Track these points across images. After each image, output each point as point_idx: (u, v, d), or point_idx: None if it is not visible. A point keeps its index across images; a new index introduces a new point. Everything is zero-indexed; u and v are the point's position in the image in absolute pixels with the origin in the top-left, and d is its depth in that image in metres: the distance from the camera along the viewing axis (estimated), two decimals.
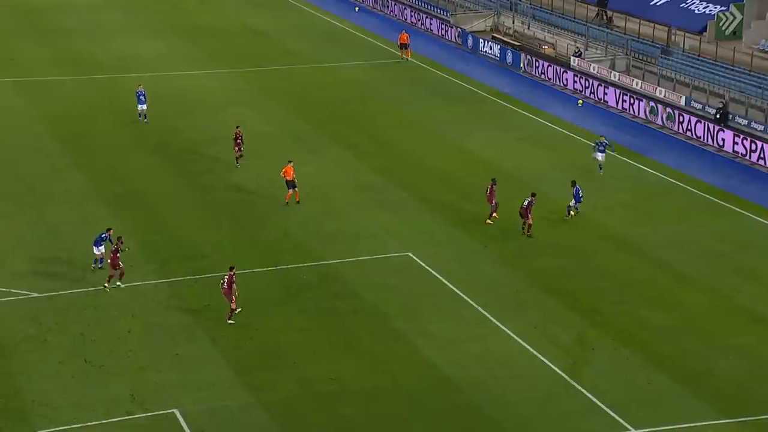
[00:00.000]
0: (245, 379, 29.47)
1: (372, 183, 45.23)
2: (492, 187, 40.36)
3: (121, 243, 34.61)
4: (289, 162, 42.08)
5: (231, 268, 32.38)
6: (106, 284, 34.24)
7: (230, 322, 32.20)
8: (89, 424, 27.04)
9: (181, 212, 41.54)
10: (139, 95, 51.08)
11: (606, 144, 45.36)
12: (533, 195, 39.41)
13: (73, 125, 51.66)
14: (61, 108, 54.36)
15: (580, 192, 40.79)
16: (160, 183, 44.55)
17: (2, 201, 41.88)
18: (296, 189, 41.75)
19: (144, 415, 27.59)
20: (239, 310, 32.45)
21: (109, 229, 35.75)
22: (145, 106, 51.08)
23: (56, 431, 26.75)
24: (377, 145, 50.33)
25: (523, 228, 39.23)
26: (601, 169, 45.22)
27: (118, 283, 34.35)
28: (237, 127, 46.03)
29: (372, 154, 48.82)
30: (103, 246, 35.21)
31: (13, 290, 34.21)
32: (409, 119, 54.40)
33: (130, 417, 27.47)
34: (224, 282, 32.20)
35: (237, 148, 45.34)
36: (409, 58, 65.94)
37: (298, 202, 41.81)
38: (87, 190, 43.46)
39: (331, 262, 37.22)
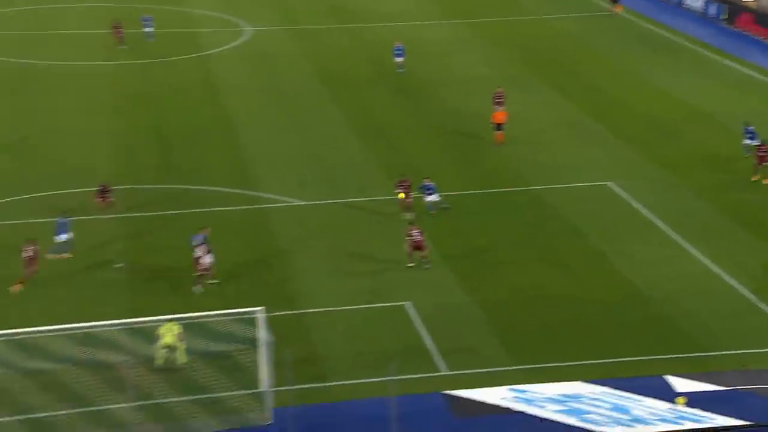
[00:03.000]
0: (464, 281, 30.35)
1: (579, 121, 44.76)
2: None
3: None
4: (496, 108, 42.09)
5: (204, 228, 29.55)
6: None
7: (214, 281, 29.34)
8: (340, 308, 28.64)
9: (416, 143, 42.63)
10: (396, 50, 51.77)
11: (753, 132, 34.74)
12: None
13: (333, 67, 53.40)
14: (324, 53, 56.31)
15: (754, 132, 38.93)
16: (400, 117, 45.74)
17: (273, 126, 44.25)
18: (502, 131, 41.61)
19: (382, 305, 28.93)
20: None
21: (204, 228, 30.34)
22: (402, 59, 51.31)
23: (315, 311, 28.43)
24: (586, 89, 49.54)
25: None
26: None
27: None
28: None
29: (580, 97, 48.15)
30: None
31: (286, 198, 36.33)
32: (616, 67, 53.08)
33: (370, 306, 28.91)
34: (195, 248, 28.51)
35: None
36: (620, 12, 63.90)
37: (502, 143, 41.58)
38: (341, 122, 45.18)
39: (540, 188, 37.40)
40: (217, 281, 29.62)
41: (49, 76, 49.99)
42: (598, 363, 26.08)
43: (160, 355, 25.03)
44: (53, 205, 34.51)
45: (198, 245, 29.48)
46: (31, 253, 29.08)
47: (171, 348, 24.96)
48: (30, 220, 33.60)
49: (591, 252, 32.30)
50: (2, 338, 24.03)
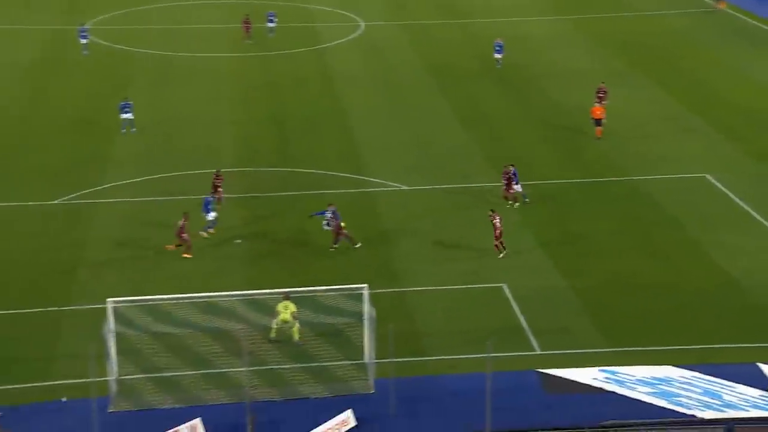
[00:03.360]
0: (560, 266, 29.87)
1: (679, 115, 43.31)
2: None
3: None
4: (596, 103, 40.76)
5: (332, 206, 30.28)
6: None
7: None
8: (441, 288, 28.58)
9: (518, 133, 42.03)
10: (497, 45, 50.50)
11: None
12: None
13: (441, 60, 53.04)
14: (433, 46, 56.00)
15: None
16: (504, 109, 45.19)
17: (383, 115, 44.35)
18: (601, 126, 40.07)
19: (480, 285, 28.85)
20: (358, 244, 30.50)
21: (331, 204, 30.90)
22: (501, 56, 50.09)
23: (417, 290, 28.63)
24: (687, 84, 47.89)
25: None
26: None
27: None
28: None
29: (681, 91, 46.58)
30: None
31: (393, 183, 36.51)
32: (718, 62, 51.11)
33: (470, 286, 28.85)
34: (328, 221, 30.04)
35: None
36: (724, 8, 61.37)
37: (599, 138, 39.98)
38: (447, 112, 44.94)
39: (638, 178, 36.41)
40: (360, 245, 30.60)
41: (182, 67, 51.48)
42: (691, 349, 25.32)
43: (275, 329, 25.50)
44: (180, 185, 35.62)
45: (330, 217, 30.43)
46: (180, 226, 29.94)
47: (286, 324, 25.44)
48: (161, 198, 34.74)
49: (688, 242, 31.28)
50: (136, 304, 25.05)
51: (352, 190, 35.78)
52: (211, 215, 31.64)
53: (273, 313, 25.52)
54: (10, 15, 60.43)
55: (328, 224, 30.57)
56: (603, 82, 43.59)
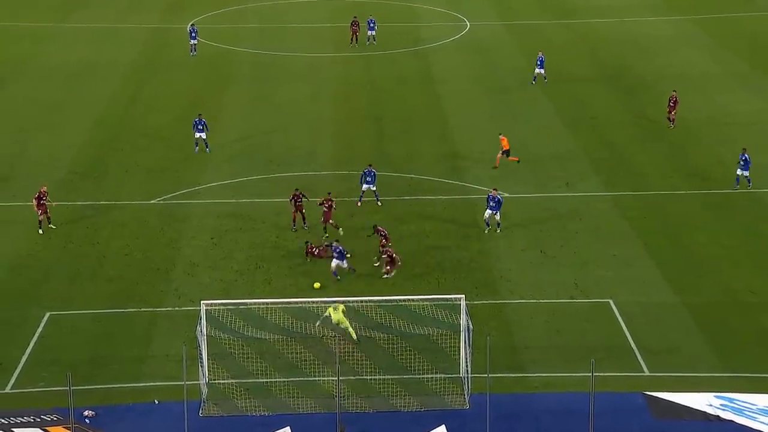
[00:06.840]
0: (672, 281, 28.84)
1: None
2: None
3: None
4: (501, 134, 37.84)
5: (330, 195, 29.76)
6: None
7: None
8: (541, 300, 28.12)
9: (628, 139, 40.89)
10: (539, 60, 47.57)
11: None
12: None
13: (547, 61, 51.87)
14: (539, 47, 54.94)
15: None
16: (613, 112, 44.03)
17: (484, 116, 43.77)
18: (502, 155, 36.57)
19: (584, 300, 28.11)
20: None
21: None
22: (542, 71, 47.11)
23: (516, 302, 28.11)
24: None
25: None
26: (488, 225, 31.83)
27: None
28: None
29: None
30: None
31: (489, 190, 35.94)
32: None
33: (572, 300, 28.15)
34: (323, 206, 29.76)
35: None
36: None
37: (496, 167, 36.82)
38: (551, 112, 44.08)
39: (761, 191, 34.81)
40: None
41: (281, 66, 52.17)
42: None
43: (350, 332, 25.13)
44: (276, 186, 36.04)
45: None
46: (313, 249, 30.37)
47: (342, 325, 25.13)
48: (258, 200, 35.21)
49: None
50: (229, 306, 25.38)
51: (449, 197, 35.39)
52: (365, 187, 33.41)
53: (329, 321, 25.24)
54: (111, 15, 62.61)
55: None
56: (675, 90, 41.78)
